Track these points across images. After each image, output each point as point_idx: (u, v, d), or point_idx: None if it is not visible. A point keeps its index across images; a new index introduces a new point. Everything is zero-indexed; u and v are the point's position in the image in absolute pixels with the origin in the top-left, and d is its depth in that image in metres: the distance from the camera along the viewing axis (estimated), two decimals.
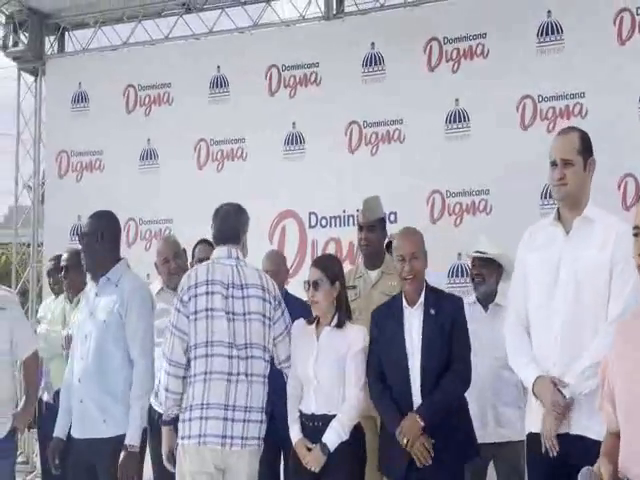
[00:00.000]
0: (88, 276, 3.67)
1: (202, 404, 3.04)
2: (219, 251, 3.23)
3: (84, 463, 3.25)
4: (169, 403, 3.09)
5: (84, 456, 3.25)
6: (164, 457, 3.26)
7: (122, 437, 3.18)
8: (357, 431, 3.21)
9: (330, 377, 3.18)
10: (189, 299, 3.07)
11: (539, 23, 4.91)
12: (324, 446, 3.12)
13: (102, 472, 3.21)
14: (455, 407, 3.13)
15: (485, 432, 3.53)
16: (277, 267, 3.95)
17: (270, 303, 3.19)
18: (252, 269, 3.25)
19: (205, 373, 3.05)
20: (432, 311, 3.15)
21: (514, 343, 2.79)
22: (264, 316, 3.17)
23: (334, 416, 3.15)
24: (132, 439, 3.15)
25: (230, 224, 3.29)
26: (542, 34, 4.91)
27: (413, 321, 3.17)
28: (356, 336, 3.22)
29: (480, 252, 3.78)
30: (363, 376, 3.21)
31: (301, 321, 3.36)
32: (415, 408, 3.07)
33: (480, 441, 3.26)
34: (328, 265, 3.33)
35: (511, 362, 2.82)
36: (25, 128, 6.45)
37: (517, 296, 2.82)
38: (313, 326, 3.30)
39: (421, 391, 3.07)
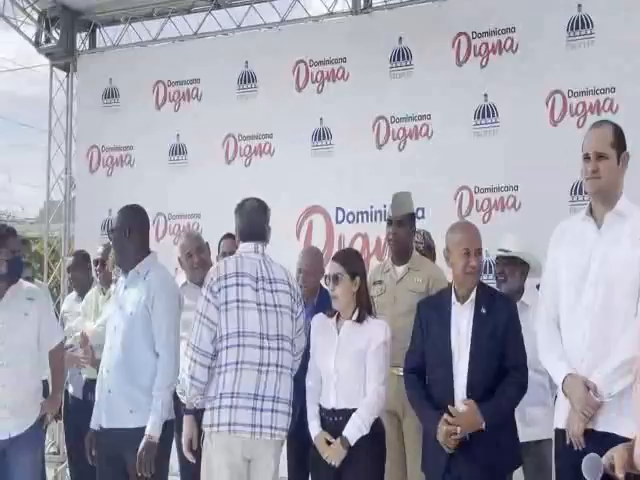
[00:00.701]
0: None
1: (232, 393, 3.08)
2: (246, 246, 3.27)
3: (112, 452, 3.32)
4: (193, 392, 3.12)
5: (112, 446, 3.32)
6: (184, 446, 3.30)
7: None
8: (378, 426, 3.22)
9: (350, 371, 3.19)
10: (219, 290, 3.11)
11: (569, 17, 4.86)
12: (345, 440, 3.13)
13: (129, 462, 3.26)
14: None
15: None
16: (312, 267, 3.95)
17: (294, 299, 3.25)
18: (277, 265, 3.29)
19: (236, 363, 3.09)
20: (483, 310, 3.06)
21: (545, 339, 2.78)
22: (292, 310, 3.23)
23: (354, 410, 3.15)
24: (152, 430, 3.20)
25: (256, 221, 3.33)
26: (572, 28, 4.85)
27: (461, 318, 3.07)
28: (377, 331, 3.23)
29: (503, 250, 3.76)
30: (384, 371, 3.21)
31: (321, 315, 3.39)
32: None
33: None
34: (348, 260, 3.33)
35: (542, 358, 2.81)
36: (57, 123, 6.54)
37: (548, 292, 2.81)
38: (333, 320, 3.31)
39: (466, 391, 2.99)
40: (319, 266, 4.03)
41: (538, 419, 3.58)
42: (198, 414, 3.23)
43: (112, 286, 4.18)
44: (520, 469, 3.57)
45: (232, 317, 3.10)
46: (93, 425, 3.44)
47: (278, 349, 3.15)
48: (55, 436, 6.08)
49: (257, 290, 3.16)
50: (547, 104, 4.85)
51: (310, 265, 3.97)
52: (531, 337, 3.27)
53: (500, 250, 3.77)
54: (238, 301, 3.12)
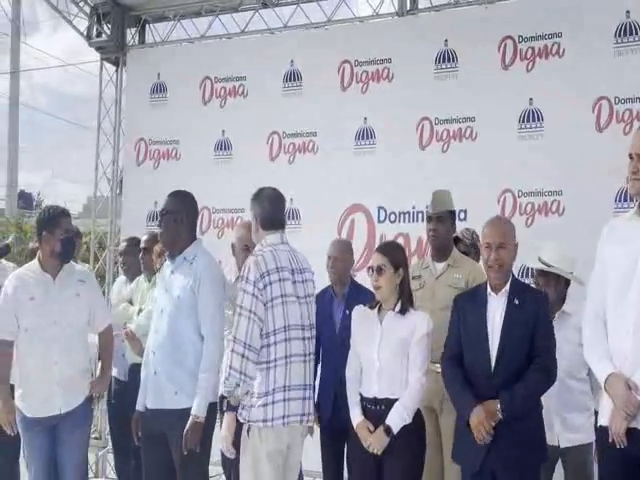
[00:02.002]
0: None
1: (285, 387, 3.17)
2: (273, 237, 3.32)
3: (157, 432, 3.41)
4: (244, 388, 3.13)
5: (156, 426, 3.41)
6: (227, 443, 3.34)
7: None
8: (418, 417, 3.28)
9: (393, 361, 3.25)
10: (264, 287, 3.16)
11: (617, 23, 4.84)
12: (388, 428, 3.18)
13: (172, 442, 3.37)
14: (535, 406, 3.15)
15: (552, 435, 3.51)
16: (340, 254, 4.05)
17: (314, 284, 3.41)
18: (299, 253, 3.40)
19: (286, 357, 3.19)
20: (516, 301, 3.17)
21: (590, 337, 2.81)
22: (315, 297, 3.42)
23: (396, 400, 3.21)
24: (198, 410, 3.29)
25: (279, 208, 3.41)
26: (620, 34, 4.83)
27: (496, 307, 3.19)
28: (420, 321, 3.30)
29: (543, 262, 3.75)
30: (427, 361, 3.29)
31: (361, 307, 3.46)
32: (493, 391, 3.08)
33: (549, 443, 3.30)
34: (392, 251, 3.40)
35: (586, 356, 2.85)
36: (106, 117, 6.68)
37: (595, 290, 2.83)
38: (375, 311, 3.38)
39: (494, 372, 3.10)
40: (348, 255, 4.12)
41: (578, 425, 3.61)
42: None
43: (157, 274, 4.28)
44: (561, 472, 3.63)
45: (278, 313, 3.18)
46: (139, 406, 3.54)
47: (312, 338, 3.31)
48: (97, 422, 6.19)
49: (294, 282, 3.26)
50: (593, 110, 4.84)
51: (339, 252, 4.06)
52: (571, 347, 3.33)
53: (540, 261, 3.77)
54: (282, 296, 3.21)
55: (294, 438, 3.24)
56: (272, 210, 3.35)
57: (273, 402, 3.16)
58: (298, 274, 3.29)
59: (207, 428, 3.40)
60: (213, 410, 3.45)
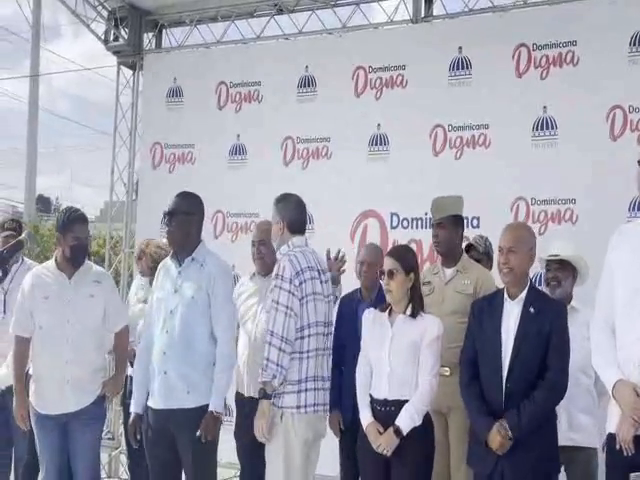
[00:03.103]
0: None
1: (315, 377, 3.40)
2: (299, 240, 3.52)
3: (165, 432, 3.44)
4: (280, 379, 3.31)
5: (166, 426, 3.44)
6: (263, 429, 3.35)
7: (204, 407, 3.38)
8: (427, 419, 3.31)
9: (404, 363, 3.29)
10: (300, 284, 3.37)
11: (632, 33, 4.84)
12: (397, 429, 3.20)
13: (181, 441, 3.41)
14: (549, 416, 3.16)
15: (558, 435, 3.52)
16: (374, 259, 4.08)
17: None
18: (319, 255, 3.62)
19: (316, 350, 3.42)
20: (532, 309, 3.17)
21: (598, 343, 2.81)
22: (341, 300, 3.72)
23: (406, 401, 3.24)
24: (217, 406, 3.39)
25: (305, 214, 3.65)
26: (634, 43, 4.83)
27: (511, 314, 3.20)
28: (431, 325, 3.34)
29: (554, 255, 3.77)
30: (437, 364, 3.32)
31: (372, 309, 3.51)
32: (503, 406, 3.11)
33: None
34: (403, 255, 3.43)
35: (594, 362, 2.84)
36: (122, 120, 6.75)
37: (604, 296, 2.82)
38: (386, 314, 3.41)
39: (505, 383, 3.11)
40: (380, 260, 4.10)
41: (585, 426, 3.61)
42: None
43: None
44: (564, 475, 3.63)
45: (311, 309, 3.41)
46: (137, 409, 3.56)
47: (330, 334, 3.53)
48: (110, 424, 6.24)
49: (321, 282, 3.48)
50: (607, 119, 4.84)
51: (372, 257, 4.10)
52: (581, 341, 3.32)
53: (551, 255, 3.78)
54: (314, 294, 3.43)
55: (319, 430, 3.45)
56: (299, 215, 3.59)
57: (306, 390, 3.37)
58: (322, 274, 3.51)
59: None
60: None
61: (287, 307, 3.33)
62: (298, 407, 3.35)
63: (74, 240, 3.78)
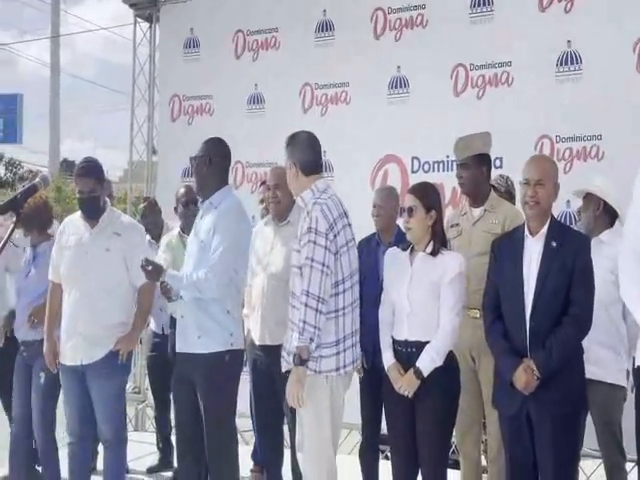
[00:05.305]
0: None
1: (352, 333, 3.20)
2: (322, 183, 3.25)
3: (185, 375, 3.49)
4: (318, 341, 3.05)
5: (185, 369, 3.48)
6: (296, 396, 3.08)
7: (215, 354, 3.37)
8: (452, 360, 3.25)
9: (424, 303, 3.21)
10: (334, 237, 3.10)
11: None
12: (418, 371, 3.16)
13: (197, 386, 3.43)
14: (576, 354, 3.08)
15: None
16: (384, 202, 3.99)
17: None
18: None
19: (352, 304, 3.20)
20: (554, 244, 3.07)
21: (629, 274, 2.68)
22: (359, 244, 3.43)
23: (427, 342, 3.18)
24: (167, 276, 3.43)
25: (319, 152, 3.34)
26: None
27: (532, 251, 3.10)
28: (452, 262, 3.24)
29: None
30: (460, 302, 3.23)
31: (394, 248, 3.43)
32: (527, 343, 3.03)
33: None
34: (424, 193, 3.33)
35: (622, 293, 2.73)
36: (140, 74, 6.69)
37: (633, 225, 2.71)
38: (407, 252, 3.33)
39: (529, 320, 3.03)
40: (393, 202, 4.05)
41: (602, 360, 3.52)
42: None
43: None
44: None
45: (345, 261, 3.15)
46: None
47: (358, 282, 3.27)
48: (136, 378, 6.30)
49: (349, 226, 3.23)
50: (634, 50, 4.64)
51: (382, 200, 4.00)
52: (603, 273, 3.23)
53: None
54: (347, 243, 3.18)
55: (347, 384, 3.27)
56: (313, 154, 3.27)
57: (344, 350, 3.16)
58: (347, 217, 3.24)
59: (232, 377, 3.46)
60: (237, 360, 3.49)
61: (323, 264, 3.04)
62: (337, 369, 3.12)
63: (78, 194, 3.81)
